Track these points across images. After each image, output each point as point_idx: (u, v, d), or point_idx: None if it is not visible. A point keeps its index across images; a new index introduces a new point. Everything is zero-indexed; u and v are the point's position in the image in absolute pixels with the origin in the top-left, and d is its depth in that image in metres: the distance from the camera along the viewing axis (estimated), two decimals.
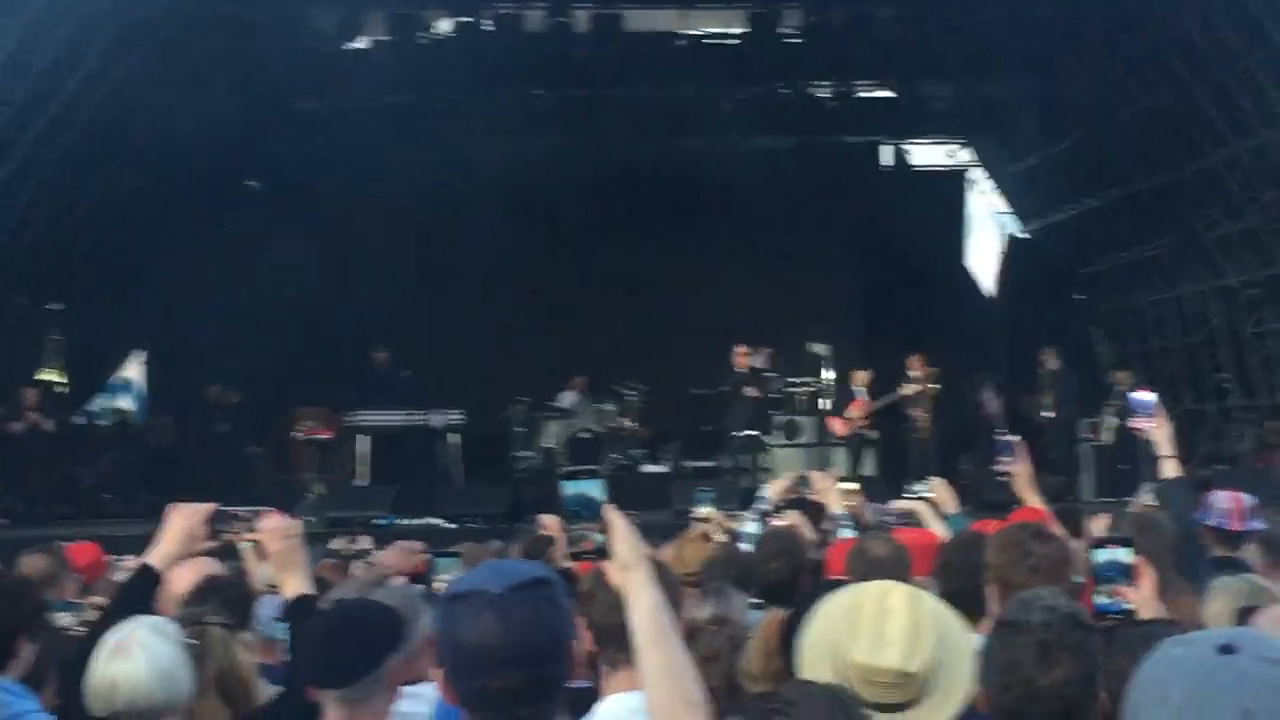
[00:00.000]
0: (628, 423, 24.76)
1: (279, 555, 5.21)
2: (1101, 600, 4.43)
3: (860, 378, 23.12)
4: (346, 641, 4.24)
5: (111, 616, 4.79)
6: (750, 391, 22.83)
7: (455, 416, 23.15)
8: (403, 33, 24.20)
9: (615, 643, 4.03)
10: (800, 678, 3.46)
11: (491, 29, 24.19)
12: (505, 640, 2.90)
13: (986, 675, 3.48)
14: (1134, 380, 23.71)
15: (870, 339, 26.82)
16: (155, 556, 5.10)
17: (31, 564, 7.70)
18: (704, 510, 10.96)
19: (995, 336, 28.87)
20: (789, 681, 3.49)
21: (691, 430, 25.80)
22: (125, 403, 30.92)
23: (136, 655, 4.36)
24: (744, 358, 22.78)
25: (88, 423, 27.22)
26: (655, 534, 12.20)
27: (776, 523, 9.28)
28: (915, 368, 22.90)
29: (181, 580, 6.69)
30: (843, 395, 23.15)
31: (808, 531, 9.26)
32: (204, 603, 5.94)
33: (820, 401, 23.41)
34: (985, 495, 19.16)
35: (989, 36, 24.28)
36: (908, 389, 22.48)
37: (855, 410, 22.73)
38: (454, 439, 23.14)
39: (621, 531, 3.37)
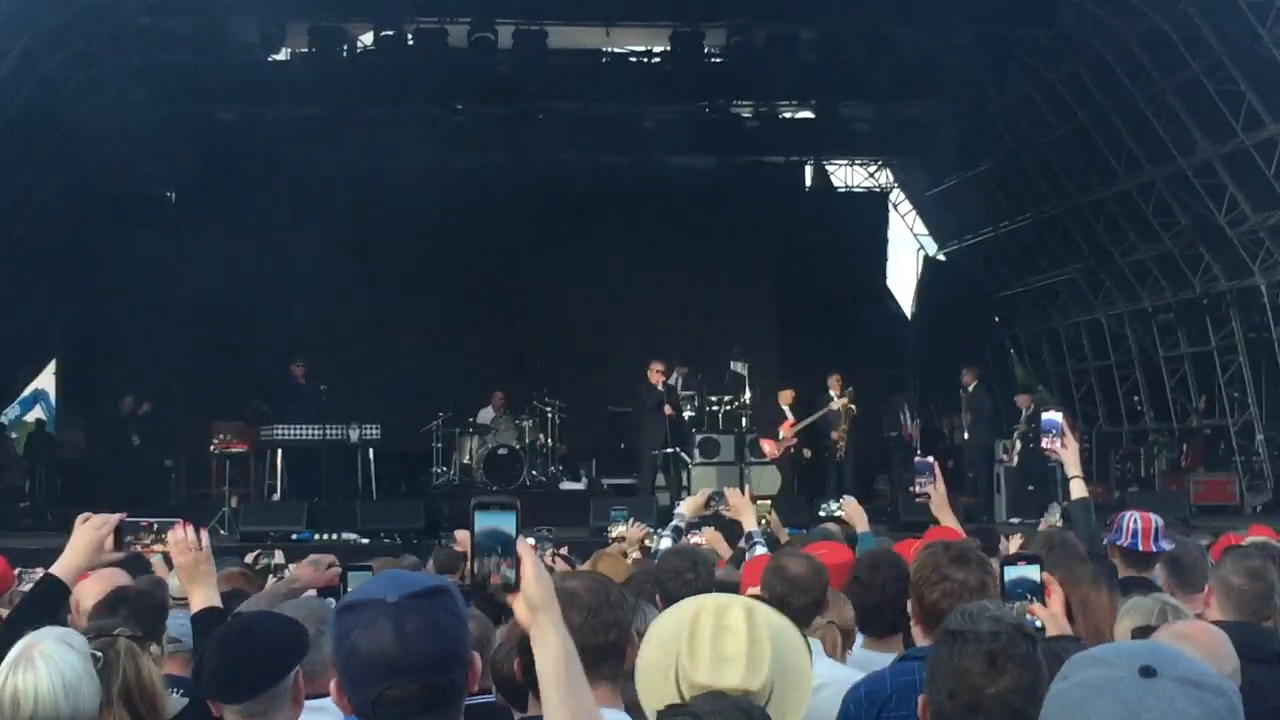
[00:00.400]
0: (546, 439, 24.72)
1: (185, 568, 5.16)
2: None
3: (786, 397, 23.22)
4: (247, 655, 4.20)
5: (15, 627, 4.72)
6: (665, 409, 22.84)
7: (372, 431, 23.00)
8: (325, 45, 24.08)
9: (586, 663, 4.01)
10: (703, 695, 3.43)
11: (414, 43, 24.10)
12: (400, 648, 2.86)
13: (931, 684, 3.48)
14: (1038, 402, 23.99)
15: (789, 357, 26.91)
16: (61, 567, 5.05)
17: None
18: (619, 528, 11.00)
19: (913, 357, 29.08)
20: (699, 695, 3.46)
21: (610, 447, 25.81)
22: (38, 413, 30.67)
23: (40, 666, 4.28)
24: (659, 375, 22.77)
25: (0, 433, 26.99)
26: (573, 551, 12.26)
27: (693, 539, 9.30)
28: (833, 387, 23.04)
29: (91, 592, 6.63)
30: (770, 415, 23.19)
31: (723, 548, 9.29)
32: (114, 614, 5.87)
33: (742, 420, 23.44)
34: (901, 515, 19.28)
35: (910, 59, 24.45)
36: (835, 405, 22.61)
37: (784, 430, 22.82)
38: (371, 454, 22.99)
39: (532, 571, 3.23)
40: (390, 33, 24.16)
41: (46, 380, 31.00)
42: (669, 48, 25.02)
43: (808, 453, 23.28)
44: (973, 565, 5.08)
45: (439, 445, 24.55)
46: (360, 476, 22.86)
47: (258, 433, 23.28)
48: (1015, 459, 22.66)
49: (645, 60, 26.10)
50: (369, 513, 20.97)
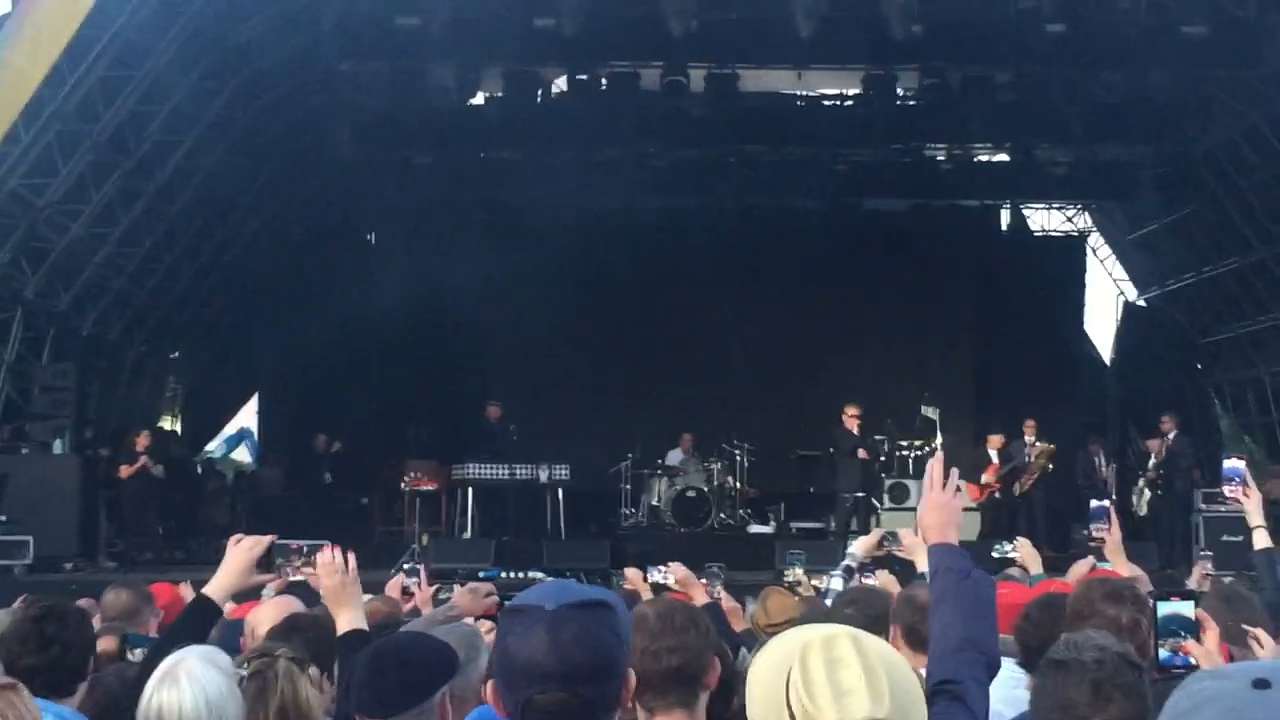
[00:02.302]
0: (734, 481, 24.68)
1: (332, 590, 5.23)
2: (1164, 653, 4.33)
3: (994, 442, 22.97)
4: (395, 672, 4.26)
5: (166, 646, 4.82)
6: (860, 453, 22.73)
7: (562, 471, 23.19)
8: (519, 89, 24.42)
9: (650, 689, 3.99)
10: None
11: (606, 87, 24.33)
12: (553, 655, 2.90)
13: (1036, 714, 3.41)
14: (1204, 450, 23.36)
15: (983, 403, 26.60)
16: (213, 588, 5.15)
17: (114, 598, 7.80)
18: (795, 571, 10.93)
19: (1111, 404, 28.51)
20: None
21: (799, 491, 25.69)
22: (242, 453, 31.41)
23: (184, 683, 4.37)
24: (853, 419, 22.66)
25: (204, 470, 27.62)
26: (755, 594, 12.16)
27: (866, 580, 9.19)
28: (1028, 433, 22.73)
29: (266, 618, 6.77)
30: (977, 460, 22.91)
31: (895, 588, 9.16)
32: (287, 641, 5.98)
33: (955, 467, 23.14)
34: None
35: (1108, 101, 24.10)
36: (1036, 449, 22.33)
37: (989, 476, 22.57)
38: (561, 494, 23.16)
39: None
40: (584, 77, 24.45)
41: (250, 417, 31.71)
42: (861, 90, 24.93)
43: (1017, 489, 22.92)
44: (1126, 602, 4.96)
45: (628, 486, 24.63)
46: (549, 516, 23.04)
47: (449, 471, 23.60)
48: (1143, 508, 22.12)
49: (838, 104, 26.02)
50: (556, 551, 21.12)
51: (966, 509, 21.81)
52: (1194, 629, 4.46)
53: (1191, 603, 4.52)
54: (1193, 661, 4.36)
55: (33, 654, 5.30)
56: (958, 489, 4.45)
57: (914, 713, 3.44)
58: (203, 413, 28.91)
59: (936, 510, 4.36)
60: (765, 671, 3.52)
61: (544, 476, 23.08)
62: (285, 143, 24.61)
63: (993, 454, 22.78)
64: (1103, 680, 3.36)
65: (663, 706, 3.99)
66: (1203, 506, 22.57)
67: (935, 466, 4.42)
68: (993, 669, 3.82)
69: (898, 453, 23.76)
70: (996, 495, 22.61)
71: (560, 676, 2.90)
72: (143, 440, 22.75)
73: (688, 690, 3.93)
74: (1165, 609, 4.50)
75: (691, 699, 3.89)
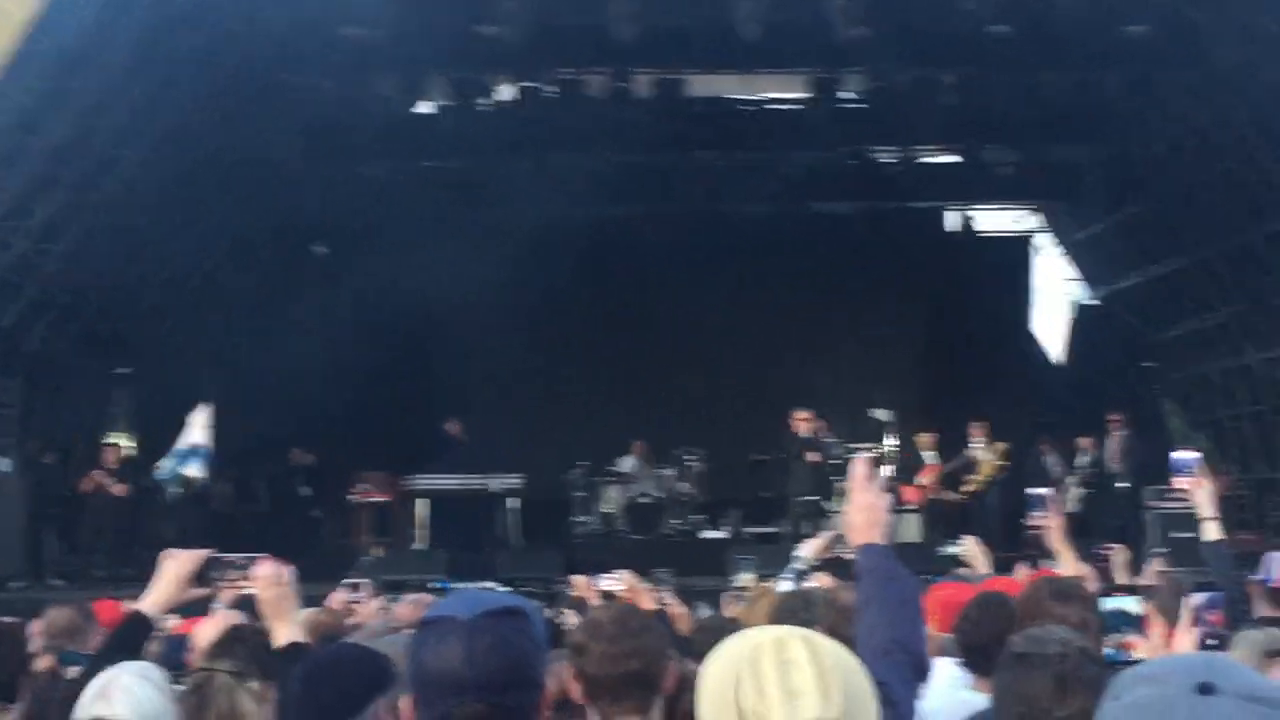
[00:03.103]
0: (687, 488, 24.66)
1: (269, 603, 5.19)
2: (1108, 650, 4.30)
3: (925, 441, 23.01)
4: (328, 686, 4.20)
5: (100, 662, 4.77)
6: (811, 457, 22.73)
7: (514, 481, 23.13)
8: (465, 98, 24.37)
9: (607, 694, 3.94)
10: None
11: (554, 94, 24.31)
12: (468, 666, 2.85)
13: (1000, 710, 3.39)
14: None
15: (933, 405, 26.61)
16: (146, 603, 5.10)
17: (56, 616, 7.73)
18: (745, 578, 10.93)
19: (1062, 404, 28.59)
20: None
21: (752, 496, 25.69)
22: (193, 469, 31.13)
23: (118, 699, 4.33)
24: (803, 423, 22.67)
25: (155, 488, 27.34)
26: (706, 599, 12.17)
27: (810, 583, 9.16)
28: (975, 434, 22.80)
29: (208, 632, 6.71)
30: (912, 462, 22.97)
31: (843, 592, 9.13)
32: (228, 652, 5.91)
33: (882, 467, 23.24)
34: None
35: (1055, 102, 24.18)
36: (974, 452, 22.36)
37: (926, 477, 22.61)
38: (513, 503, 23.10)
39: None
40: (531, 84, 24.42)
41: (200, 434, 31.47)
42: (808, 94, 24.94)
43: (952, 496, 22.99)
44: (1074, 601, 4.94)
45: (581, 494, 24.59)
46: (502, 526, 22.97)
47: (401, 483, 23.53)
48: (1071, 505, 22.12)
49: (784, 107, 26.03)
50: (509, 561, 21.05)
51: (905, 510, 21.96)
52: (1138, 624, 4.45)
53: (1136, 598, 4.50)
54: (1137, 657, 4.35)
55: None
56: (885, 489, 4.43)
57: (865, 715, 3.40)
58: (154, 429, 28.63)
59: (862, 511, 4.30)
60: (717, 672, 3.48)
61: (495, 486, 23.04)
62: (234, 155, 24.44)
63: (925, 455, 22.77)
64: (1066, 674, 3.36)
65: (619, 711, 3.95)
66: (1152, 504, 22.66)
67: (860, 466, 4.39)
68: (920, 671, 3.79)
69: (849, 455, 23.76)
70: (933, 496, 22.64)
71: (477, 688, 2.86)
72: (111, 455, 22.62)
73: (644, 694, 3.89)
74: (1109, 604, 4.49)
75: (647, 703, 3.86)
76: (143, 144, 22.64)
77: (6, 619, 7.22)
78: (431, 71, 23.79)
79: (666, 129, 24.73)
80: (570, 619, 8.31)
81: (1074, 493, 22.51)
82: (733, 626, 7.48)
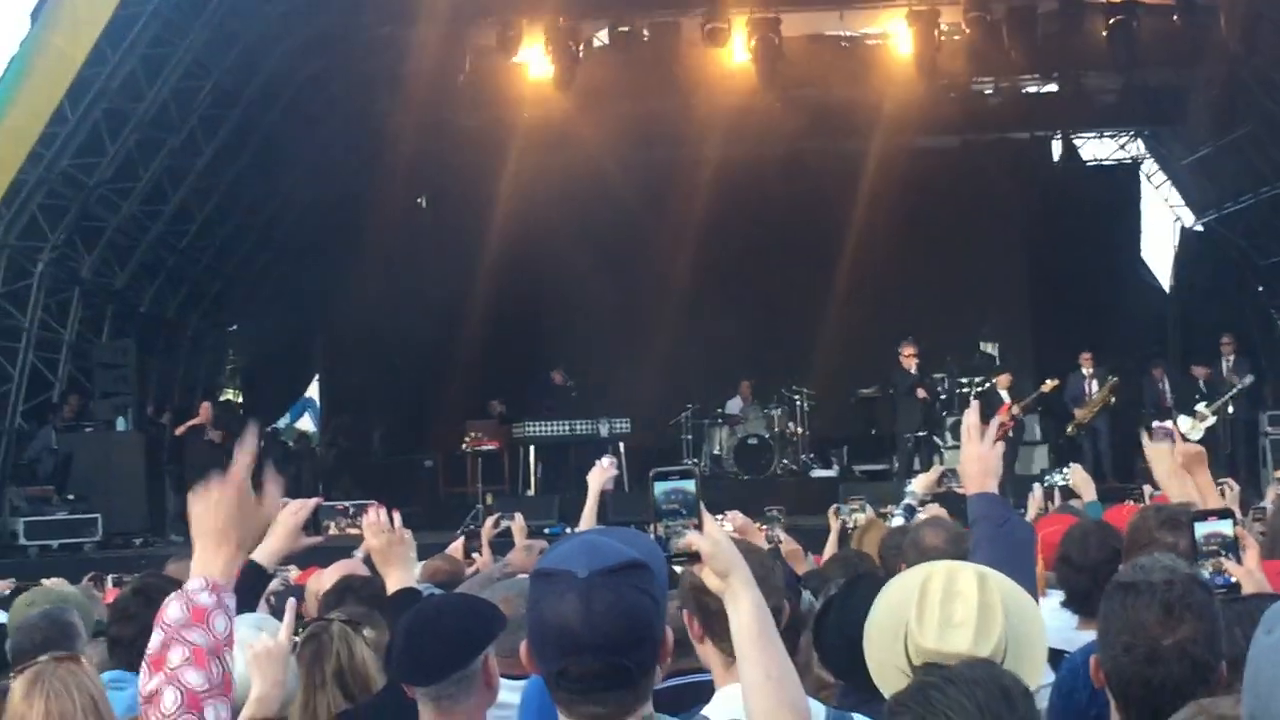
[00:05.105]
0: (795, 427, 24.64)
1: (379, 550, 5.24)
2: (1204, 573, 4.26)
3: (1003, 381, 22.85)
4: (434, 638, 4.19)
5: None
6: (919, 392, 22.65)
7: (622, 425, 23.21)
8: (560, 46, 24.34)
9: (727, 633, 3.96)
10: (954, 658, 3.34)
11: (649, 37, 24.25)
12: (585, 626, 2.83)
13: (1105, 639, 3.37)
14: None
15: (1041, 335, 26.43)
16: (260, 553, 5.16)
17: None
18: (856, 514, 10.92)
19: (1172, 330, 28.26)
20: (955, 662, 3.35)
21: (860, 433, 25.62)
22: (305, 422, 31.55)
23: (235, 651, 4.39)
24: (910, 358, 22.58)
25: (267, 440, 27.73)
26: (819, 538, 12.17)
27: (922, 516, 9.16)
28: (1085, 364, 22.61)
29: (326, 582, 6.82)
30: (990, 401, 22.84)
31: (928, 533, 9.13)
32: (342, 600, 6.03)
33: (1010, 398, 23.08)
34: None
35: (1155, 26, 23.80)
36: (1047, 386, 22.12)
37: (1001, 414, 22.44)
38: (621, 447, 23.18)
39: (716, 534, 3.26)
40: (625, 29, 24.34)
41: (311, 386, 31.84)
42: (905, 28, 24.69)
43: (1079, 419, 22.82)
44: (1184, 528, 4.90)
45: (688, 437, 24.65)
46: (617, 468, 23.04)
47: (510, 430, 23.68)
48: (1198, 434, 21.76)
49: (882, 42, 25.79)
50: (619, 504, 21.11)
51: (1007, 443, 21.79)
52: (1234, 547, 4.41)
53: (1230, 520, 4.46)
54: (1233, 580, 4.31)
55: (128, 623, 5.42)
56: (997, 438, 4.49)
57: (1025, 660, 3.40)
58: (263, 384, 29.04)
59: (975, 461, 4.51)
60: (892, 595, 3.52)
61: (604, 431, 23.13)
62: (332, 110, 24.62)
63: (1003, 394, 22.60)
64: (1173, 600, 3.29)
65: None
66: (1269, 429, 22.40)
67: (971, 417, 4.46)
68: None
69: (958, 390, 23.67)
70: (1009, 434, 22.48)
71: (593, 647, 2.84)
72: (204, 411, 22.89)
73: None
74: (1203, 529, 4.45)
75: None
76: (242, 102, 22.87)
77: (160, 572, 7.39)
78: (526, 20, 23.77)
79: (762, 68, 24.58)
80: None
81: (1188, 421, 22.22)
82: (860, 558, 7.51)
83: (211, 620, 3.13)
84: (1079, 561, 5.69)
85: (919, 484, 9.43)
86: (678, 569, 3.49)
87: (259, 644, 4.53)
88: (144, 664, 3.08)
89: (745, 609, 3.18)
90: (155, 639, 3.09)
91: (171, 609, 3.12)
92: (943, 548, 5.60)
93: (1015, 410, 22.24)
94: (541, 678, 2.98)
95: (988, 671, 3.05)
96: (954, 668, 3.08)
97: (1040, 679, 3.45)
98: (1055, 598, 5.96)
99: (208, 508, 3.30)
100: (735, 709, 4.04)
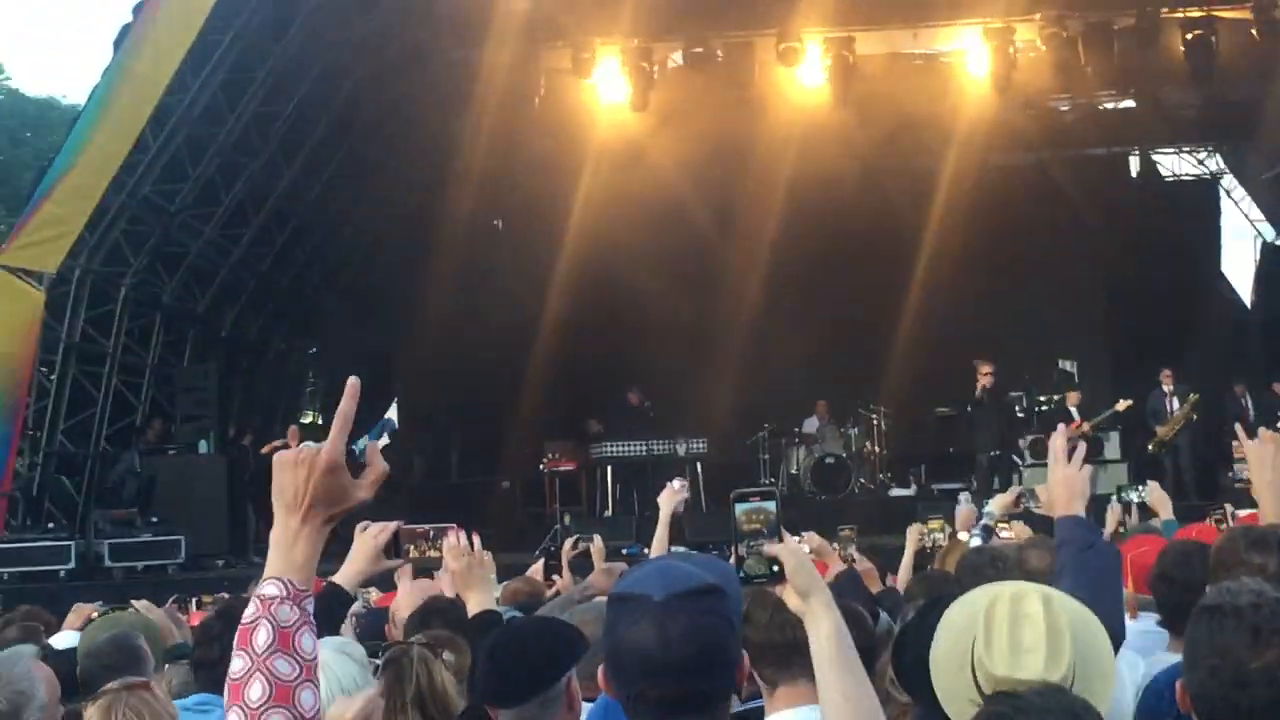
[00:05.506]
0: (873, 446, 24.57)
1: (459, 573, 5.27)
2: None
3: (1072, 398, 22.73)
4: (518, 659, 4.22)
5: None
6: (998, 410, 22.59)
7: (699, 445, 23.22)
8: (634, 64, 24.40)
9: (773, 662, 3.97)
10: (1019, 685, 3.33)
11: (721, 58, 24.30)
12: (661, 650, 2.85)
13: (1191, 663, 3.34)
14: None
15: (1121, 353, 26.21)
16: (342, 575, 5.22)
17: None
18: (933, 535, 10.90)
19: (1253, 347, 27.96)
20: (1028, 685, 3.35)
21: (938, 451, 25.50)
22: (383, 442, 31.69)
23: (318, 676, 4.42)
24: (987, 375, 22.47)
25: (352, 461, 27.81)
26: (896, 558, 12.12)
27: (1003, 535, 9.13)
28: (1166, 381, 22.44)
29: (407, 604, 6.86)
30: (1060, 418, 22.72)
31: (1032, 554, 9.09)
32: (426, 624, 6.08)
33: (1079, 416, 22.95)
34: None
35: (1232, 40, 23.63)
36: (1122, 405, 21.97)
37: (1070, 431, 22.27)
38: (699, 467, 23.19)
39: (796, 555, 3.29)
40: (699, 50, 24.39)
41: (391, 408, 32.03)
42: (980, 45, 24.59)
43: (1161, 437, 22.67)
44: (1274, 550, 4.83)
45: (765, 457, 24.62)
46: (690, 490, 23.03)
47: (588, 451, 23.74)
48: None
49: (957, 59, 25.70)
50: (697, 524, 21.12)
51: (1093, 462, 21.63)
52: None
53: None
54: None
55: (212, 646, 5.50)
56: (1085, 462, 4.49)
57: (1096, 682, 3.38)
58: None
59: (1062, 484, 4.50)
60: (956, 620, 3.51)
61: (681, 450, 23.15)
62: (409, 133, 24.79)
63: (1073, 410, 22.48)
64: (1261, 624, 3.23)
65: (787, 678, 3.98)
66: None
67: (1059, 440, 4.47)
68: (1116, 641, 3.77)
69: (1037, 408, 23.53)
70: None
71: (670, 671, 2.86)
72: (293, 434, 23.06)
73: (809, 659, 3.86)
74: None
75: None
76: (321, 126, 23.07)
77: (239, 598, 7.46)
78: (599, 41, 23.87)
79: (838, 87, 24.56)
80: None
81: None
82: (944, 578, 7.49)
83: (298, 642, 2.77)
84: (1182, 580, 5.61)
85: (996, 505, 9.40)
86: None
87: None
88: (226, 691, 2.79)
89: (825, 631, 3.21)
90: (236, 665, 2.75)
91: (260, 634, 2.74)
92: (1047, 571, 5.56)
93: (1086, 428, 22.12)
94: (614, 700, 3.02)
95: (1058, 699, 3.04)
96: (1023, 696, 3.07)
97: (1109, 702, 3.42)
98: (1147, 620, 5.90)
99: (295, 475, 2.90)
100: None
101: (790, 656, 3.94)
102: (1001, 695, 3.17)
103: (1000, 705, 3.04)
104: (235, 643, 2.74)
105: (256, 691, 2.68)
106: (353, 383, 2.98)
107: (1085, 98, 27.39)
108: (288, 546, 2.85)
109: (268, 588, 2.77)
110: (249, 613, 2.73)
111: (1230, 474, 8.16)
